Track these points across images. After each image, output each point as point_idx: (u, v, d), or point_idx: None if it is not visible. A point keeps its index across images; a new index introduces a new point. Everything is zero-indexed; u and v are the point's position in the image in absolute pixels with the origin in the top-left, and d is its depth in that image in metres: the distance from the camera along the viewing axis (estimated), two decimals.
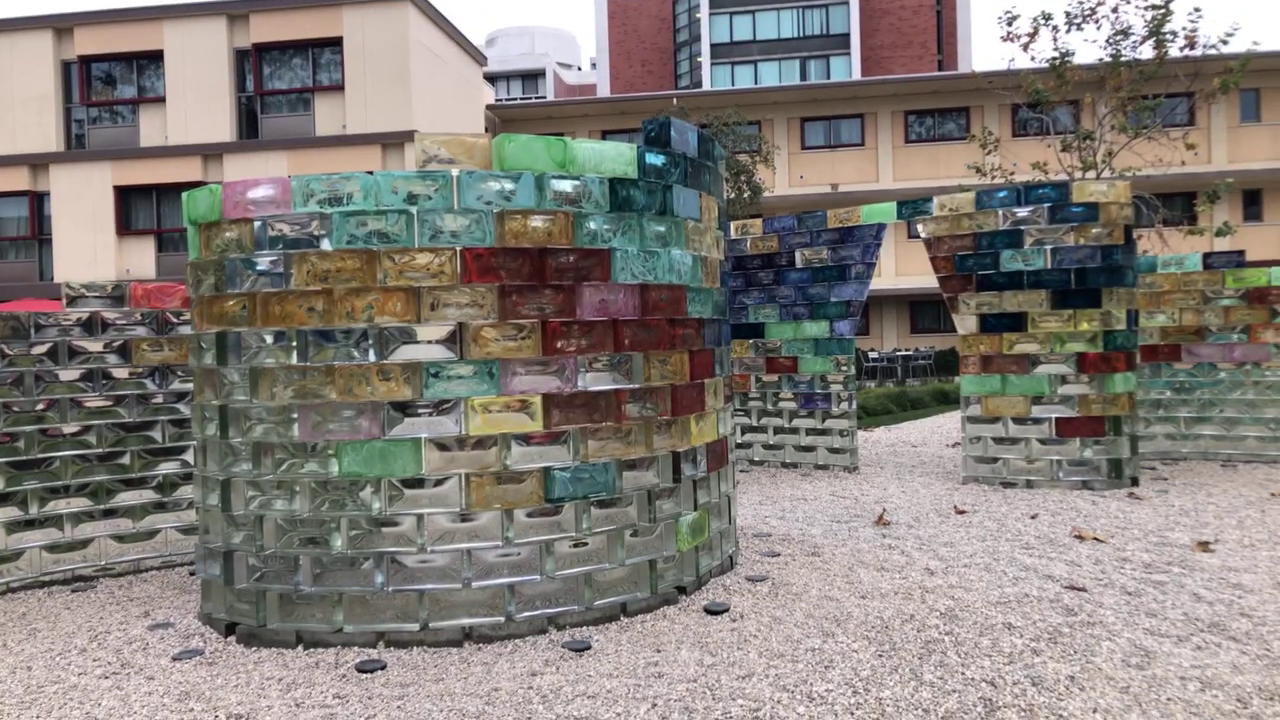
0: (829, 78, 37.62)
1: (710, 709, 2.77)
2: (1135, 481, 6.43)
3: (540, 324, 3.55)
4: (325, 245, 3.46)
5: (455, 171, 3.49)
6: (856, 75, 37.22)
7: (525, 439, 3.53)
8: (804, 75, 38.73)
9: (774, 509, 6.02)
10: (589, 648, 3.34)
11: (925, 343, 27.43)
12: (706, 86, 37.41)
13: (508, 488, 3.49)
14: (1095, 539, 4.81)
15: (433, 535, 3.43)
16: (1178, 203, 25.19)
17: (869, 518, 5.60)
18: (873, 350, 24.74)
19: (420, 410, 3.45)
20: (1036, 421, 6.45)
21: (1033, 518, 5.42)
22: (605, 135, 29.07)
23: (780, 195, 27.35)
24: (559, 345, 3.58)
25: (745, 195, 18.19)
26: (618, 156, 3.77)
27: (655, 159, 3.90)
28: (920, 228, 6.98)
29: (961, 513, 5.64)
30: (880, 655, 3.19)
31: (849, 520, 5.55)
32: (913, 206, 7.04)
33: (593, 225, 3.67)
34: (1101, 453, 6.36)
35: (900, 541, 4.92)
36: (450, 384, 3.45)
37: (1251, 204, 27.39)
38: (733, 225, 8.09)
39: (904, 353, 23.41)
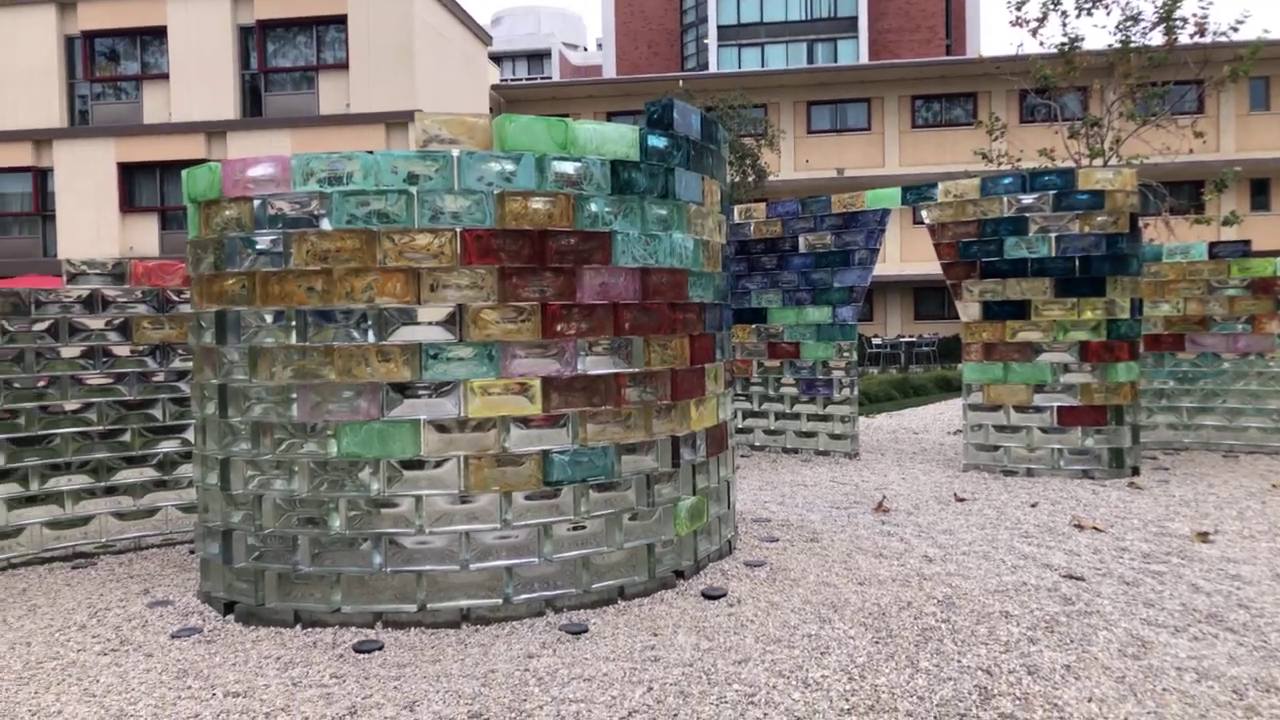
0: (836, 61, 37.35)
1: (706, 693, 2.77)
2: (1136, 471, 6.43)
3: (540, 306, 3.53)
4: (325, 225, 3.45)
5: (456, 152, 3.46)
6: (864, 59, 36.96)
7: (524, 422, 3.52)
8: (811, 58, 38.47)
9: (774, 494, 6.02)
10: (586, 630, 3.34)
11: (929, 329, 27.38)
12: (713, 69, 37.18)
13: (506, 470, 3.48)
14: (1095, 528, 4.81)
15: (431, 517, 3.43)
16: (1185, 191, 25.05)
17: (868, 504, 5.59)
18: (876, 336, 24.74)
19: (419, 392, 3.45)
20: (1038, 410, 6.43)
21: (1032, 506, 5.42)
22: (610, 117, 28.92)
23: (785, 179, 27.24)
24: (559, 328, 3.56)
25: (750, 179, 18.08)
26: (619, 138, 3.74)
27: (657, 141, 3.88)
28: (925, 214, 6.94)
29: (961, 500, 5.64)
30: (877, 642, 3.19)
31: (848, 506, 5.55)
32: (917, 192, 7.00)
33: (594, 207, 3.65)
34: (1103, 442, 6.34)
35: (899, 529, 4.92)
36: (449, 366, 3.44)
37: (1259, 193, 27.27)
38: (736, 209, 8.06)
39: (907, 339, 23.38)
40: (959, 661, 3.00)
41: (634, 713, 2.64)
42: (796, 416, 7.79)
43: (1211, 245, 7.63)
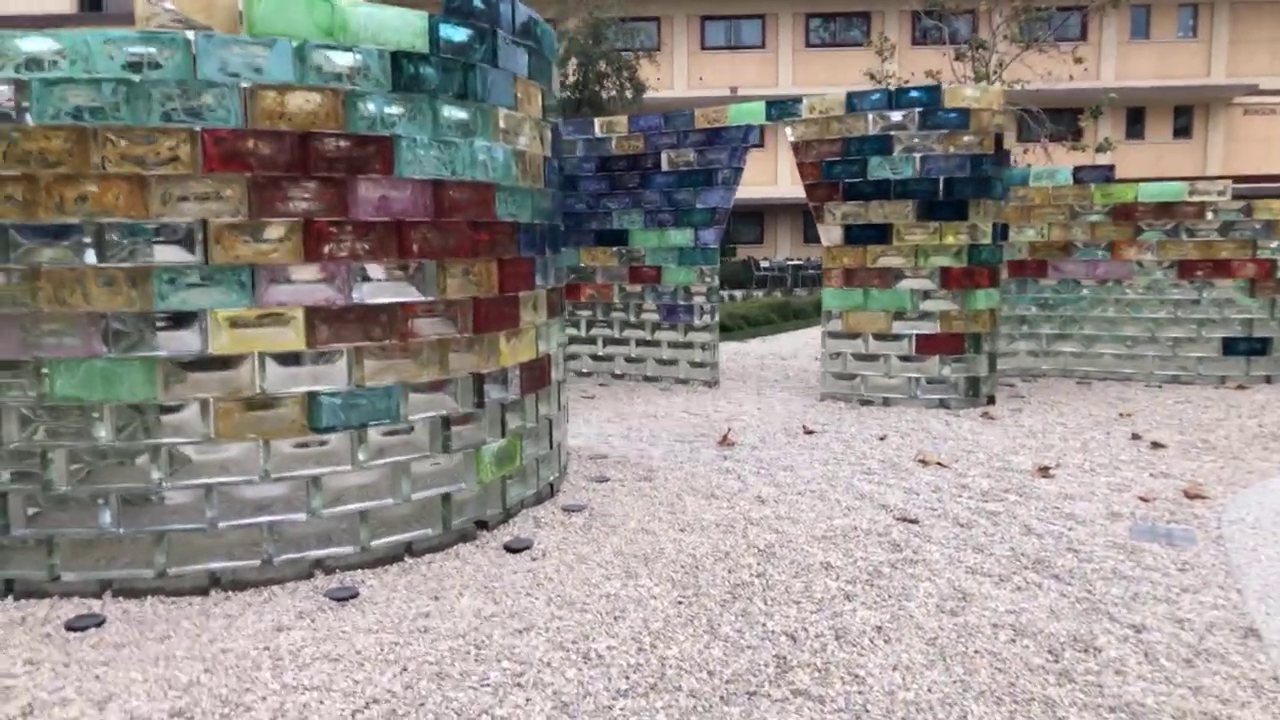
0: None
1: (467, 674, 2.40)
2: (991, 400, 6.33)
3: (303, 224, 3.01)
4: (27, 120, 2.82)
5: (192, 34, 2.86)
6: None
7: (286, 358, 3.02)
8: None
9: (621, 427, 5.67)
10: (356, 595, 2.93)
11: (818, 253, 27.46)
12: None
13: (264, 415, 3.00)
14: (938, 464, 4.62)
15: (173, 468, 2.93)
16: (1066, 118, 25.49)
17: (716, 437, 5.31)
18: (765, 259, 24.66)
19: (154, 324, 2.90)
20: (897, 338, 6.23)
21: (881, 439, 5.22)
22: None
23: (679, 96, 26.58)
24: (327, 250, 3.05)
25: (627, 94, 17.36)
26: (403, 26, 3.19)
27: (453, 32, 3.34)
28: (789, 131, 6.57)
29: (810, 433, 5.40)
30: (680, 601, 2.88)
31: (694, 440, 5.25)
32: (782, 108, 6.61)
33: (371, 107, 3.11)
34: (960, 371, 6.20)
35: (740, 465, 4.64)
36: (190, 293, 2.90)
37: (1135, 122, 28.01)
38: (597, 122, 7.54)
39: (794, 262, 23.37)
40: (764, 625, 2.71)
41: (373, 703, 2.26)
42: (657, 344, 7.44)
43: (1076, 170, 7.51)
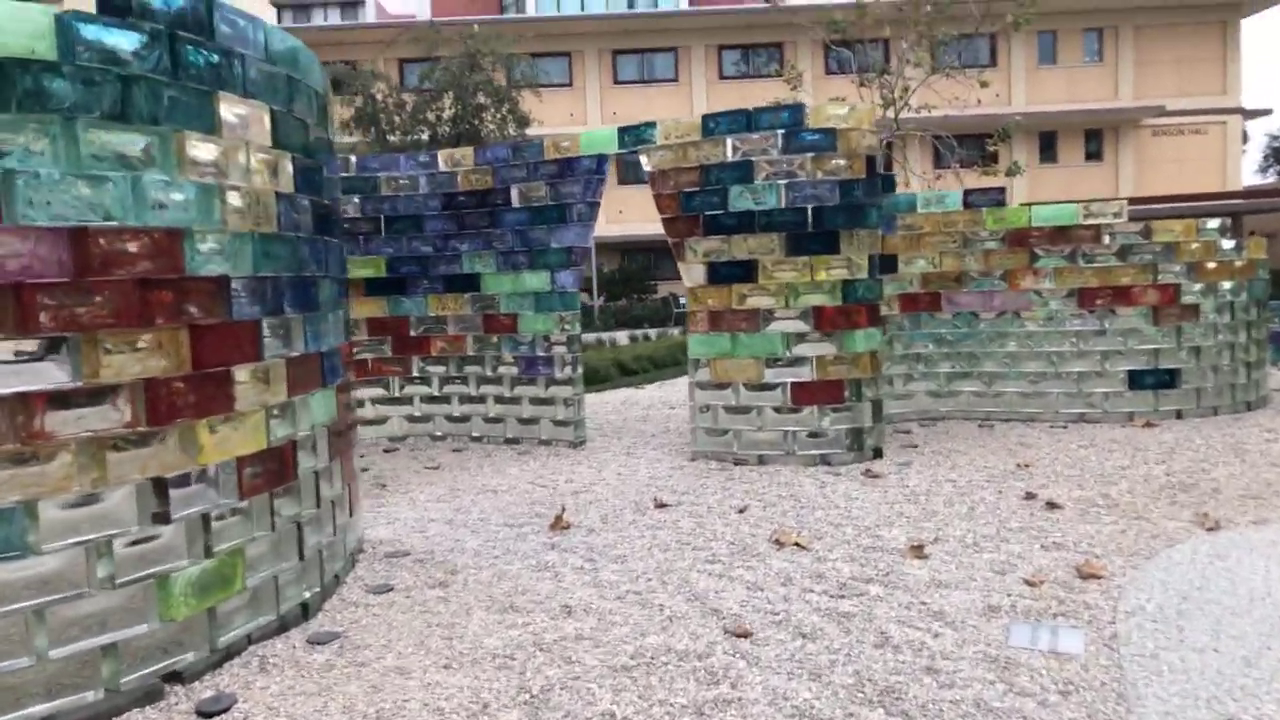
0: (657, 6, 36.27)
1: None
2: (878, 453, 5.65)
3: None
4: None
5: None
6: (679, 5, 36.05)
7: None
8: (631, 4, 37.14)
9: (449, 508, 4.86)
10: None
11: None
12: (531, 14, 35.32)
13: None
14: (796, 544, 3.89)
15: None
16: (980, 144, 25.53)
17: (553, 517, 4.52)
18: (684, 297, 24.07)
19: None
20: (770, 387, 5.54)
21: (740, 512, 4.48)
22: (402, 65, 26.77)
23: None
24: None
25: (510, 129, 16.59)
26: (14, 28, 2.39)
27: (100, 33, 2.55)
28: (644, 160, 5.89)
29: (662, 507, 4.65)
30: None
31: (525, 523, 4.45)
32: (636, 134, 5.93)
33: None
34: (841, 422, 5.52)
35: (566, 555, 3.86)
36: None
37: (1047, 146, 28.21)
38: (440, 155, 6.79)
39: None
40: None
41: None
42: (518, 400, 6.65)
43: (967, 194, 6.96)
